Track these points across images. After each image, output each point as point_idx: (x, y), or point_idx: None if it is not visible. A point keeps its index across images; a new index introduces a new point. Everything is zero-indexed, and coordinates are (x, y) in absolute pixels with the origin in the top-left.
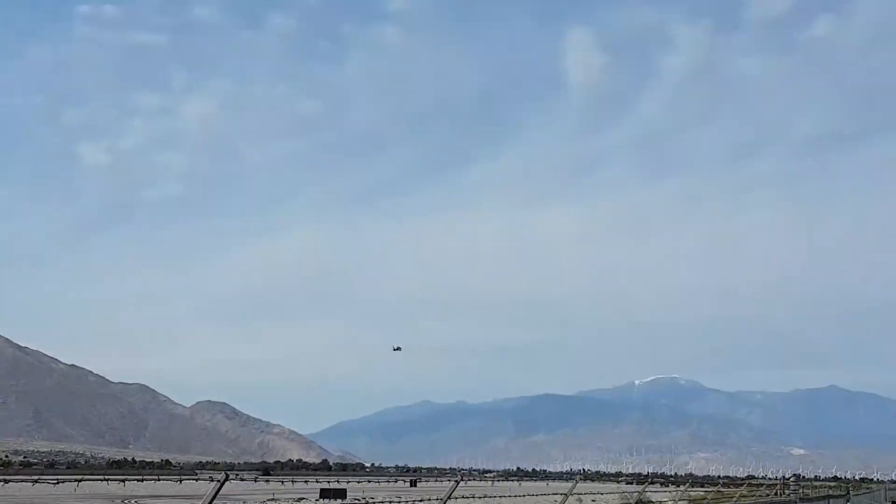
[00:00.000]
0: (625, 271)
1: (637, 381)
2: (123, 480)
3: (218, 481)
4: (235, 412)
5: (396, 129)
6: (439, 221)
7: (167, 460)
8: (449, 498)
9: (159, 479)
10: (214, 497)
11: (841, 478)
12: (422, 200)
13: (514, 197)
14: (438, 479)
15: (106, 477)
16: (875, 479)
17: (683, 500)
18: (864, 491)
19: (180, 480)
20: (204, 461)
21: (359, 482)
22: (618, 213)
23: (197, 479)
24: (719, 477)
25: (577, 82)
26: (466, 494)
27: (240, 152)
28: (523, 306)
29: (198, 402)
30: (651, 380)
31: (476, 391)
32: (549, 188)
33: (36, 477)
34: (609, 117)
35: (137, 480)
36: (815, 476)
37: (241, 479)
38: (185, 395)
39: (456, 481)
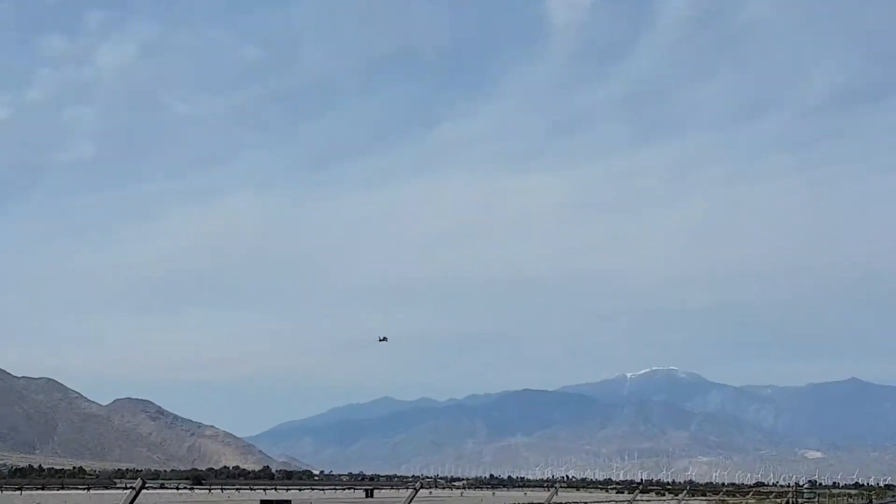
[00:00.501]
0: (615, 248)
1: (629, 375)
2: (20, 488)
3: (133, 489)
4: (161, 412)
5: (352, 81)
6: (402, 190)
7: (80, 467)
8: None
9: (63, 488)
10: None
11: (863, 485)
12: (381, 165)
13: (487, 162)
14: (399, 488)
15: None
16: None
17: None
18: (890, 499)
19: (88, 488)
20: (124, 468)
21: (306, 491)
22: (607, 181)
23: (107, 489)
24: (723, 484)
25: (562, 28)
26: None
27: (165, 107)
28: (497, 289)
29: (116, 401)
30: (645, 372)
31: (443, 387)
32: (528, 152)
33: None
34: (597, 70)
35: (38, 489)
36: (834, 483)
37: (171, 489)
38: (101, 392)
39: (415, 489)
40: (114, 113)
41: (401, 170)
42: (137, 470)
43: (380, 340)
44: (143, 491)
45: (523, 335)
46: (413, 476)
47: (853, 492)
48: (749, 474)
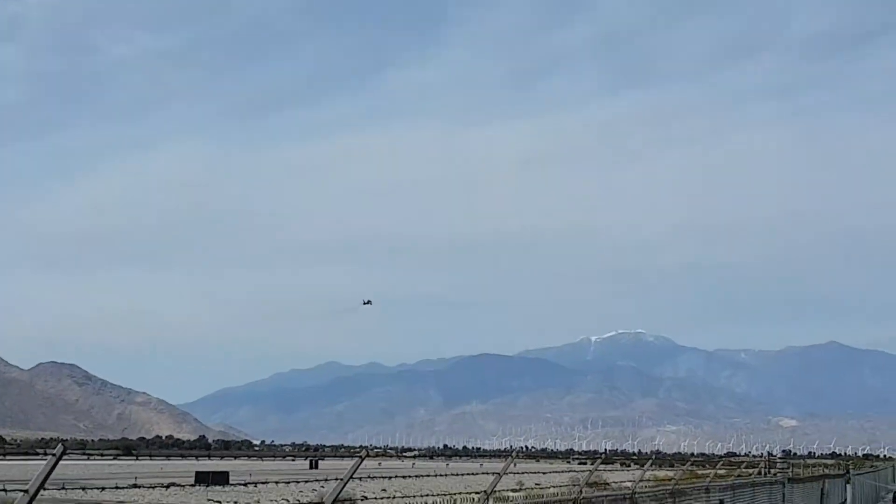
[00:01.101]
0: (581, 205)
1: (593, 338)
2: None
3: (53, 455)
4: (88, 377)
5: (293, 22)
6: (349, 142)
7: (0, 436)
8: (350, 478)
9: None
10: (46, 478)
11: (840, 454)
12: (326, 114)
13: (444, 111)
14: (345, 458)
15: None
16: (882, 456)
17: (646, 481)
18: (868, 470)
19: (5, 455)
20: (48, 437)
21: (245, 462)
22: (575, 132)
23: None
24: (692, 454)
25: None
26: (376, 475)
27: (91, 47)
28: (452, 248)
29: (39, 365)
30: (610, 336)
31: (393, 351)
32: (490, 100)
33: None
34: (565, 11)
35: None
36: (809, 452)
37: (94, 458)
38: (22, 356)
39: (360, 457)
40: (33, 54)
41: (348, 119)
42: (62, 439)
43: (364, 304)
44: (65, 461)
45: (480, 296)
46: (360, 446)
47: (830, 462)
48: (720, 444)
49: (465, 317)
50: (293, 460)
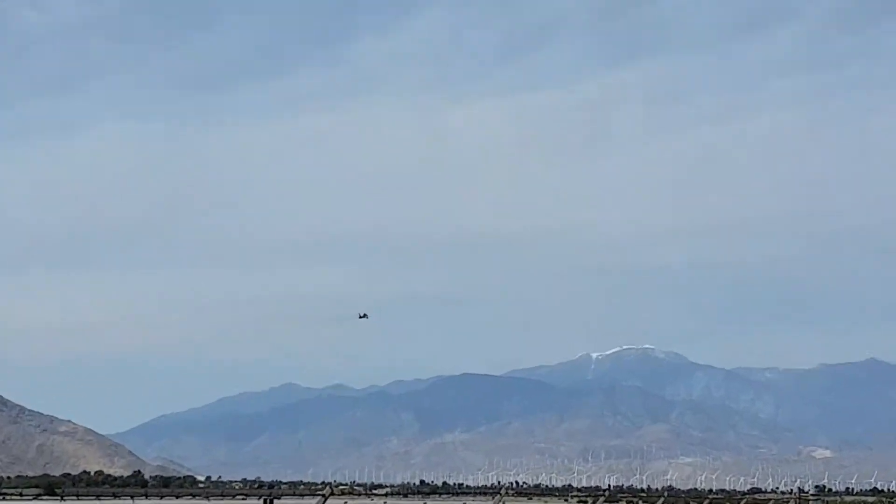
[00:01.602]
0: (578, 197)
1: (595, 355)
2: None
3: None
4: (2, 402)
5: None
6: (314, 122)
7: None
8: None
9: None
10: None
11: (883, 490)
12: (288, 89)
13: (420, 87)
14: (305, 496)
15: None
16: None
17: None
18: None
19: None
20: None
21: (187, 502)
22: (569, 111)
23: None
24: (710, 490)
25: None
26: None
27: (10, 17)
28: (431, 248)
29: None
30: (615, 352)
31: (361, 371)
32: (472, 75)
33: None
34: None
35: None
36: (847, 488)
37: (12, 499)
38: None
39: (323, 496)
40: None
41: (313, 95)
42: None
43: (360, 317)
44: None
45: (463, 306)
46: (323, 482)
47: (871, 499)
48: (742, 478)
49: (446, 329)
50: (244, 499)
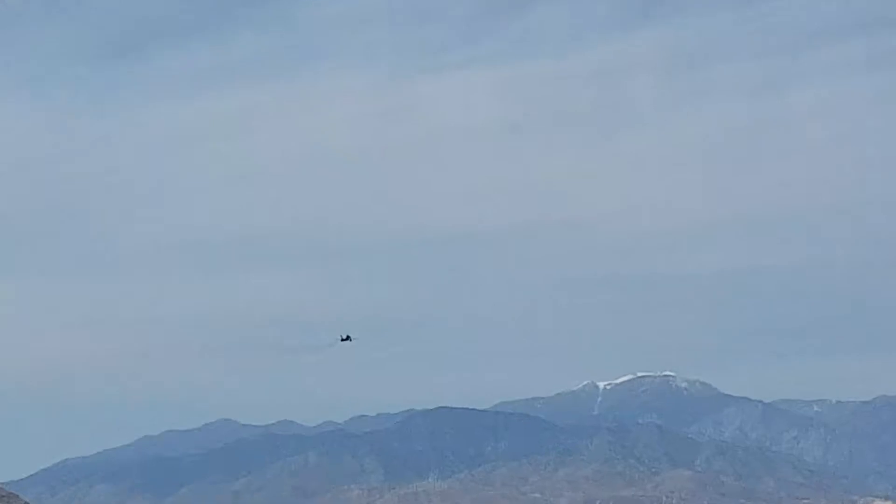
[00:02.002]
0: (581, 187)
1: (601, 385)
2: None
3: None
4: None
5: None
6: (250, 96)
7: None
8: None
9: None
10: None
11: None
12: (217, 56)
13: (380, 56)
14: None
15: None
16: None
17: None
18: None
19: None
20: None
21: None
22: (568, 85)
23: None
24: None
25: None
26: None
27: None
28: (395, 252)
29: None
30: (626, 381)
31: (314, 405)
32: (447, 41)
33: None
34: None
35: None
36: None
37: None
38: None
39: None
40: None
41: (250, 63)
42: None
43: (342, 340)
44: None
45: (440, 323)
46: None
47: None
48: None
49: (419, 354)
50: None
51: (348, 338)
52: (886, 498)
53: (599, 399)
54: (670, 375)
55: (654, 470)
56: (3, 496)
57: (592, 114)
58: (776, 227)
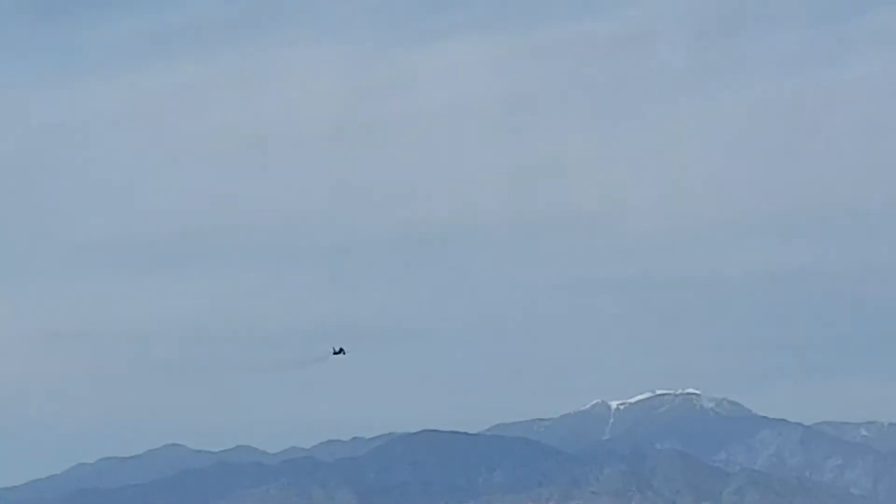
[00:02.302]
0: (593, 176)
1: (615, 405)
2: None
3: None
4: None
5: None
6: (187, 73)
7: None
8: None
9: None
10: None
11: None
12: (136, 23)
13: (365, 20)
14: None
15: None
16: None
17: None
18: None
19: None
20: None
21: None
22: (582, 54)
23: None
24: None
25: None
26: None
27: None
28: (372, 250)
29: None
30: (643, 401)
31: (277, 428)
32: (440, 3)
33: None
34: None
35: None
36: None
37: None
38: None
39: None
40: None
41: (204, 30)
42: None
43: (335, 353)
44: None
45: (425, 333)
46: None
47: None
48: None
49: (398, 370)
50: None
51: (341, 350)
52: None
53: (612, 421)
54: (694, 393)
55: (676, 501)
56: None
57: (610, 89)
58: (821, 224)
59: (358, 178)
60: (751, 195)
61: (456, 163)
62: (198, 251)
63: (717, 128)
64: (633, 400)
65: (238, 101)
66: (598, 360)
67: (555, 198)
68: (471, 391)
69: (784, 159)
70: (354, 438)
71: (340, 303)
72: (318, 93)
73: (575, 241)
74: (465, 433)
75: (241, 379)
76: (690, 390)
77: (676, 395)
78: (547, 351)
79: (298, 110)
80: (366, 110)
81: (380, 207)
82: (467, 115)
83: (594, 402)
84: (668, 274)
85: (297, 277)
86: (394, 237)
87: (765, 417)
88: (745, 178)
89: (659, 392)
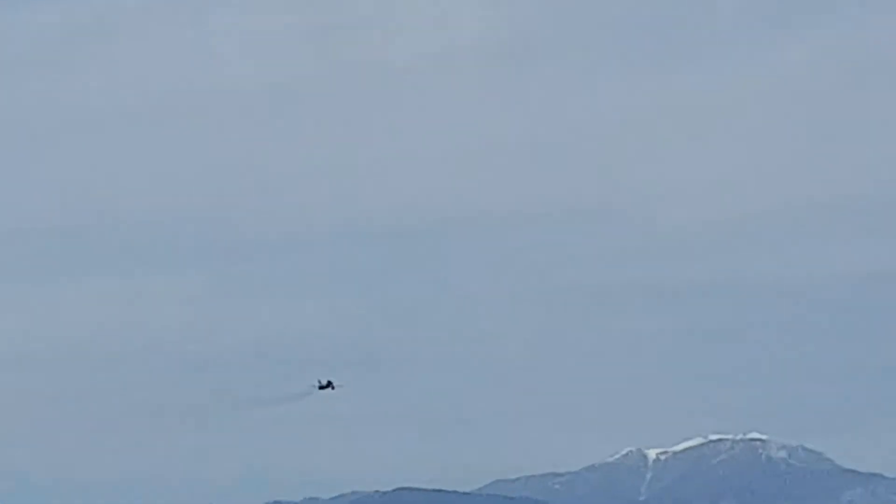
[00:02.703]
0: (611, 152)
1: (654, 454)
2: None
3: None
4: None
5: None
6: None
7: None
8: None
9: None
10: None
11: None
12: None
13: None
14: None
15: None
16: None
17: None
18: None
19: None
20: None
21: None
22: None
23: None
24: None
25: None
26: None
27: None
28: (339, 245)
29: None
30: (690, 448)
31: (227, 485)
32: None
33: None
34: None
35: None
36: None
37: None
38: None
39: None
40: None
41: None
42: None
43: (320, 388)
44: None
45: (402, 359)
46: None
47: None
48: None
49: (365, 409)
50: None
51: (329, 384)
52: None
53: (649, 476)
54: (759, 439)
55: None
56: None
57: (637, 40)
58: None
59: (313, 152)
60: (827, 177)
61: (437, 128)
62: (127, 248)
63: (778, 94)
64: (677, 448)
65: (162, 49)
66: (630, 398)
67: (566, 180)
68: (461, 437)
69: (867, 133)
70: (307, 499)
71: (296, 321)
72: (266, 40)
73: (594, 236)
74: (455, 492)
75: (171, 422)
76: (754, 435)
77: (735, 442)
78: (561, 382)
79: (239, 63)
80: (323, 63)
81: (342, 192)
82: (449, 65)
83: (626, 450)
84: (719, 279)
85: (232, 279)
86: (363, 230)
87: (853, 471)
88: (817, 157)
89: (712, 437)
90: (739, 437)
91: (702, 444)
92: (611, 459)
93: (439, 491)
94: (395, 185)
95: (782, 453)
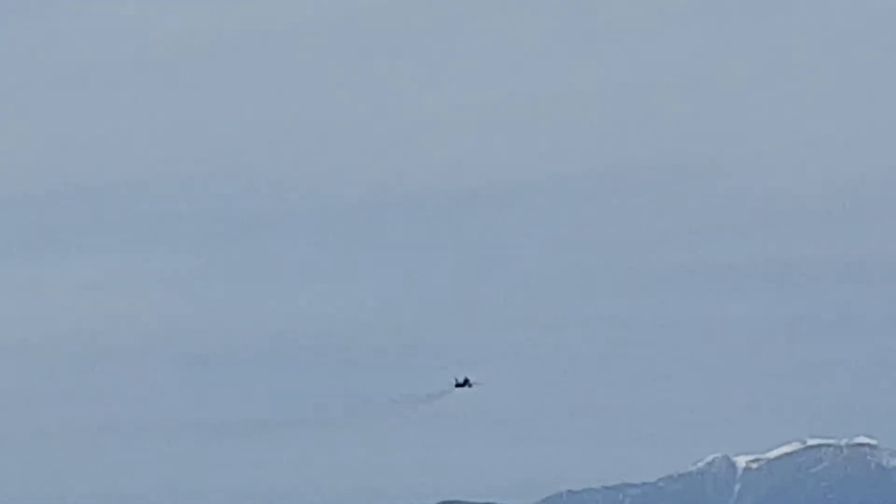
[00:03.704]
0: (680, 103)
1: (744, 461)
2: None
3: None
4: None
5: None
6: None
7: None
8: None
9: None
10: None
11: None
12: None
13: None
14: None
15: None
16: None
17: None
18: None
19: None
20: None
21: None
22: None
23: None
24: None
25: None
26: None
27: None
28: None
29: None
30: (785, 454)
31: (248, 499)
32: None
33: None
34: None
35: None
36: None
37: None
38: None
39: None
40: None
41: None
42: None
43: (457, 386)
44: None
45: (447, 348)
46: None
47: None
48: None
49: (410, 421)
50: None
51: (466, 382)
52: None
53: (738, 487)
54: (867, 444)
55: None
56: None
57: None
58: None
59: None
60: None
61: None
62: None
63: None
64: (771, 454)
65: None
66: (715, 394)
67: (629, 147)
68: (520, 445)
69: None
70: None
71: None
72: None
73: (669, 206)
74: None
75: (183, 433)
76: (862, 439)
77: (840, 447)
78: (636, 379)
79: (135, 24)
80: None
81: (349, 163)
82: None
83: (711, 457)
84: (825, 255)
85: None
86: (370, 195)
87: None
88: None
89: (811, 442)
90: (844, 441)
91: (800, 450)
92: (693, 468)
93: None
94: (453, 147)
95: (895, 460)
